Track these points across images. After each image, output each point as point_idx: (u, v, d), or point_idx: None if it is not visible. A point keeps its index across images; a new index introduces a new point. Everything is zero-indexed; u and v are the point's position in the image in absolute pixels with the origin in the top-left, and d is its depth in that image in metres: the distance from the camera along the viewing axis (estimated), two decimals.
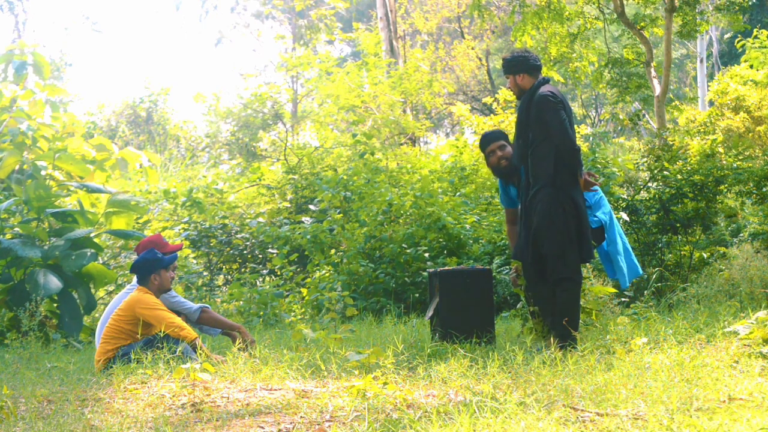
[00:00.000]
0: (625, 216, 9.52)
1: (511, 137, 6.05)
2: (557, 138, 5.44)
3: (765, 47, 17.42)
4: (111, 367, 5.56)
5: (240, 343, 5.80)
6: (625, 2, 15.59)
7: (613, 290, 6.39)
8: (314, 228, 10.57)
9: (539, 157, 5.51)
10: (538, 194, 5.50)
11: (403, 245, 9.60)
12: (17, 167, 9.69)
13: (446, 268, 6.84)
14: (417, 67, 18.78)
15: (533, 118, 5.54)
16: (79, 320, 8.43)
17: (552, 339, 5.31)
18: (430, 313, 6.23)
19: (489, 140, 6.12)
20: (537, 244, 5.51)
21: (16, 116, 9.94)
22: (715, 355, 4.69)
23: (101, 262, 10.24)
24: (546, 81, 5.67)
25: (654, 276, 8.75)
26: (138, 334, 5.79)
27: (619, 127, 23.47)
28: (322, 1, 30.42)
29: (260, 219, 12.65)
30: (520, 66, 5.66)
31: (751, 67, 17.11)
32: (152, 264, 5.99)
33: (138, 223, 11.95)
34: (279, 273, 11.35)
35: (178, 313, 6.09)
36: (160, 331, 5.69)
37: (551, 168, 5.46)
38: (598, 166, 9.67)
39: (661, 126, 15.59)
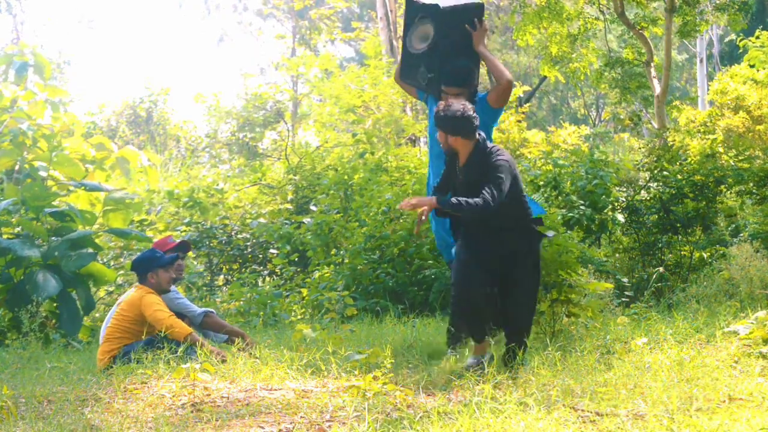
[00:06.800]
0: (621, 217, 9.51)
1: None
2: (495, 199, 4.96)
3: (766, 46, 17.42)
4: (113, 365, 5.56)
5: (240, 342, 5.79)
6: (625, 2, 15.59)
7: (610, 285, 6.37)
8: (318, 219, 10.49)
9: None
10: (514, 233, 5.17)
11: (404, 248, 9.56)
12: (17, 167, 9.69)
13: None
14: None
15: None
16: (78, 320, 8.42)
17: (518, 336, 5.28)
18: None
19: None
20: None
21: (16, 116, 9.93)
22: (715, 355, 4.69)
23: (102, 262, 10.23)
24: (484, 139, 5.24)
25: (654, 276, 8.75)
26: (142, 333, 5.79)
27: (620, 127, 23.44)
28: (322, 1, 30.43)
29: (261, 219, 12.62)
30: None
31: (752, 66, 17.11)
32: (149, 262, 5.98)
33: (142, 224, 11.93)
34: (279, 273, 11.33)
35: (182, 316, 6.06)
36: (161, 331, 5.68)
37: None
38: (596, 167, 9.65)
39: (661, 126, 15.60)
